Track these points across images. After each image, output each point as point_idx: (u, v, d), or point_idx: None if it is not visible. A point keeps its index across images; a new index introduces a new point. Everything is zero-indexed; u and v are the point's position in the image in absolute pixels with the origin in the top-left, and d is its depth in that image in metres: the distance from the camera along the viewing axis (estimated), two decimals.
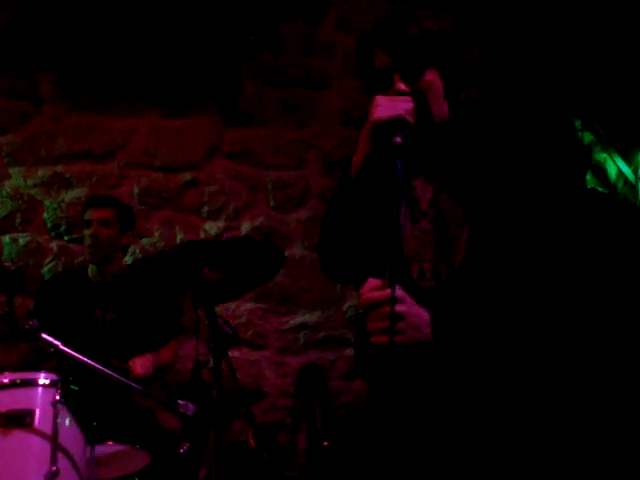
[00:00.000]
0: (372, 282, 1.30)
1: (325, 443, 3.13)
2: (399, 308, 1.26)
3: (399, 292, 1.27)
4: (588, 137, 4.00)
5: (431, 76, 1.41)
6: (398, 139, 1.31)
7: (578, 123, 3.98)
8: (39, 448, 1.83)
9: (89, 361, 2.05)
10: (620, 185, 4.03)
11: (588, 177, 4.01)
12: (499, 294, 1.37)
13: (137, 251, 3.56)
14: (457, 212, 1.42)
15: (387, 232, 1.33)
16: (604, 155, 4.03)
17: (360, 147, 1.43)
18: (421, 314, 1.32)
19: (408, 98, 1.36)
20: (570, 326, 1.41)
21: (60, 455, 1.83)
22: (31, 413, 1.87)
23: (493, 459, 1.37)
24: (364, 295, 1.30)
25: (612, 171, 4.06)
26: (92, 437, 2.00)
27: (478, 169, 1.43)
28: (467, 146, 1.46)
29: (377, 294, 1.28)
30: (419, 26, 1.39)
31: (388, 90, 1.40)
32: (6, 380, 1.93)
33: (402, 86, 1.39)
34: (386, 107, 1.34)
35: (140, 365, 2.73)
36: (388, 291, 1.26)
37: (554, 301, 1.38)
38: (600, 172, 4.05)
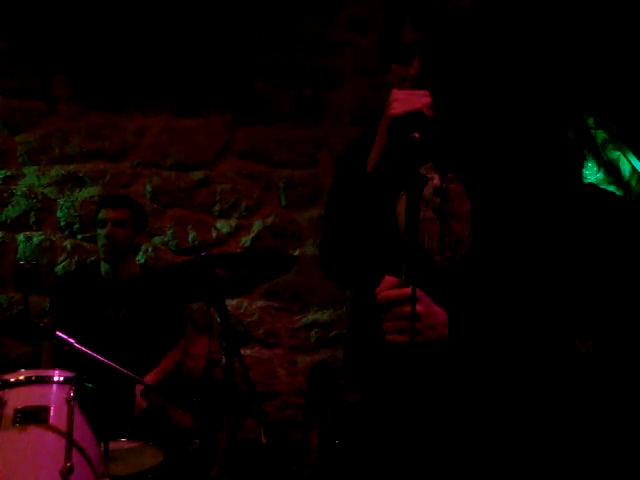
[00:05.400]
0: (389, 280, 1.26)
1: (337, 441, 3.14)
2: (417, 308, 1.23)
3: (417, 291, 1.23)
4: (601, 135, 3.98)
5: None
6: (416, 134, 1.27)
7: (591, 121, 3.96)
8: (54, 444, 1.85)
9: (103, 359, 2.07)
10: (634, 183, 4.01)
11: (600, 175, 3.99)
12: (501, 291, 1.35)
13: (149, 250, 3.58)
14: (463, 203, 1.39)
15: (404, 228, 1.27)
16: (617, 153, 4.01)
17: (377, 143, 1.38)
18: (439, 314, 1.30)
19: (426, 92, 1.33)
20: (574, 325, 1.40)
21: (75, 451, 1.85)
22: (46, 409, 1.89)
23: (502, 459, 1.37)
24: (381, 293, 1.26)
25: (625, 169, 4.03)
26: (106, 434, 2.02)
27: (487, 159, 1.40)
28: (476, 135, 1.43)
29: (395, 292, 1.24)
30: (453, 2, 1.34)
31: (404, 67, 1.36)
32: (21, 377, 1.95)
33: (413, 71, 1.34)
34: (403, 102, 1.31)
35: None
36: (406, 290, 1.22)
37: (557, 300, 1.36)
38: (613, 170, 4.02)
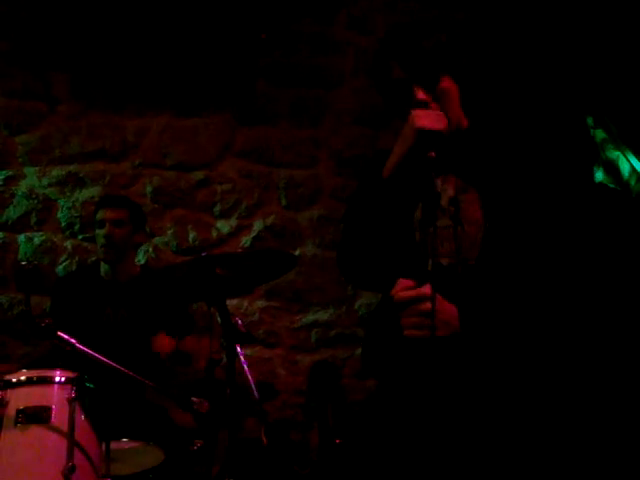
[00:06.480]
0: (403, 282, 1.38)
1: (337, 441, 3.15)
2: (431, 305, 1.31)
3: (430, 290, 1.33)
4: (600, 134, 3.98)
5: (446, 83, 1.47)
6: (432, 153, 1.35)
7: (590, 120, 3.96)
8: (56, 444, 1.85)
9: (104, 359, 2.07)
10: (633, 182, 4.01)
11: (599, 174, 3.99)
12: (514, 291, 1.41)
13: (150, 250, 3.59)
14: (475, 210, 1.47)
15: (421, 236, 1.44)
16: (617, 153, 4.01)
17: (396, 151, 1.46)
18: (450, 310, 1.39)
19: (443, 115, 1.42)
20: (582, 323, 1.43)
21: (76, 451, 1.86)
22: (48, 410, 1.90)
23: (507, 457, 1.38)
24: (398, 294, 1.38)
25: (625, 168, 4.03)
26: (107, 434, 2.02)
27: (495, 167, 1.47)
28: (486, 145, 1.50)
29: (411, 292, 1.36)
30: (432, 38, 1.46)
31: (409, 102, 1.46)
32: (23, 377, 1.96)
33: (422, 95, 1.44)
34: (429, 119, 1.39)
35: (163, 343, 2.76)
36: (422, 289, 1.34)
37: (566, 299, 1.41)
38: (613, 170, 4.03)
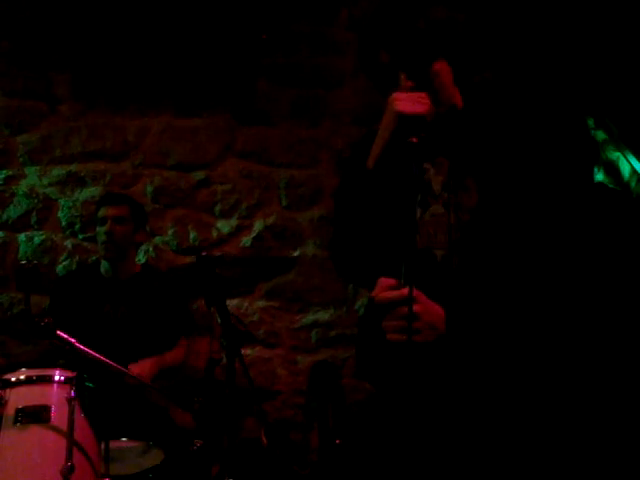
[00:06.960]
0: (385, 281, 1.29)
1: (337, 441, 3.14)
2: (415, 308, 1.25)
3: (414, 291, 1.25)
4: (601, 135, 3.98)
5: (438, 65, 1.40)
6: (414, 139, 1.28)
7: (591, 121, 3.96)
8: (55, 443, 1.85)
9: (103, 358, 2.07)
10: (633, 184, 4.00)
11: (600, 176, 3.99)
12: (507, 291, 1.36)
13: (150, 250, 3.59)
14: (472, 197, 1.40)
15: (402, 230, 1.30)
16: (617, 154, 4.01)
17: (378, 139, 1.40)
18: (436, 311, 1.31)
19: (426, 95, 1.34)
20: (578, 324, 1.40)
21: (75, 451, 1.86)
22: (47, 409, 1.90)
23: (502, 458, 1.37)
24: (379, 295, 1.29)
25: (625, 170, 4.03)
26: (107, 433, 2.02)
27: (490, 154, 1.41)
28: (480, 130, 1.44)
29: (392, 294, 1.27)
30: (424, 19, 1.39)
31: (396, 87, 1.38)
32: (22, 376, 1.96)
33: (409, 84, 1.37)
34: (410, 102, 1.32)
35: (139, 369, 2.67)
36: (404, 290, 1.25)
37: (563, 299, 1.36)
38: (613, 171, 4.02)
